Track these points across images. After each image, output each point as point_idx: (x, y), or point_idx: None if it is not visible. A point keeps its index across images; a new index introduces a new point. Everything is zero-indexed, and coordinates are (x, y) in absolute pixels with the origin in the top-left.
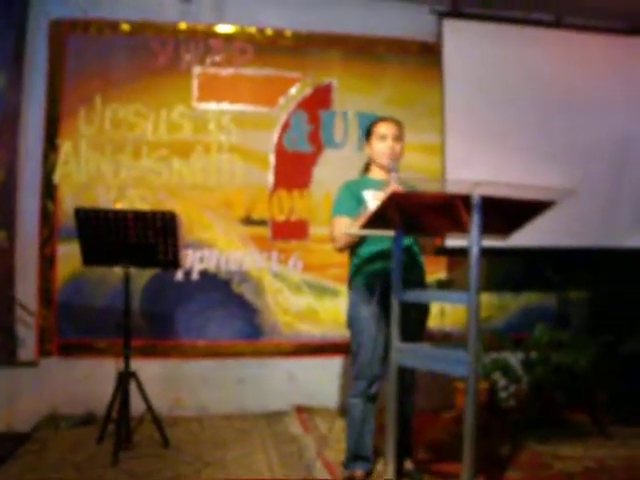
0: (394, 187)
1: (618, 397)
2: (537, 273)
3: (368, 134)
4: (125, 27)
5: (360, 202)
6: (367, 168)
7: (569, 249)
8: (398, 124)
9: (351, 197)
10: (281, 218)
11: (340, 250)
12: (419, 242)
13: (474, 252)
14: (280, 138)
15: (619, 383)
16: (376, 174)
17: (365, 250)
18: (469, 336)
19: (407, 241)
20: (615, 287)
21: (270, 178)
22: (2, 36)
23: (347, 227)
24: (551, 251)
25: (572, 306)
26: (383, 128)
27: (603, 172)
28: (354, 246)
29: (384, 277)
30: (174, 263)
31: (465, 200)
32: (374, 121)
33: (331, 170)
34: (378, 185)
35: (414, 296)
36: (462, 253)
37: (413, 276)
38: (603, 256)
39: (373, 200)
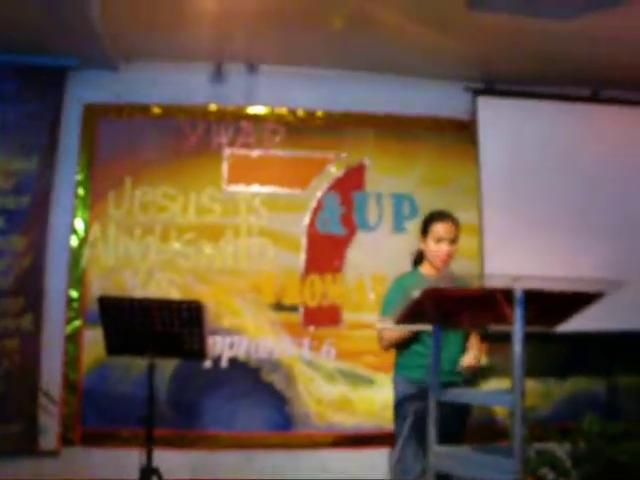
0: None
1: None
2: (583, 358)
3: (425, 229)
4: (156, 110)
5: None
6: (419, 260)
7: (616, 332)
8: (456, 224)
9: (402, 297)
10: (313, 303)
11: (386, 349)
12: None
13: (516, 351)
14: (312, 220)
15: None
16: (429, 271)
17: (418, 347)
18: (514, 442)
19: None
20: None
21: (301, 262)
22: (38, 121)
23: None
24: (597, 335)
25: (623, 393)
26: (441, 230)
27: None
28: (403, 345)
29: None
30: (200, 353)
31: (506, 294)
32: (433, 217)
33: (365, 253)
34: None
35: (453, 396)
36: (502, 338)
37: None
38: None
39: None
